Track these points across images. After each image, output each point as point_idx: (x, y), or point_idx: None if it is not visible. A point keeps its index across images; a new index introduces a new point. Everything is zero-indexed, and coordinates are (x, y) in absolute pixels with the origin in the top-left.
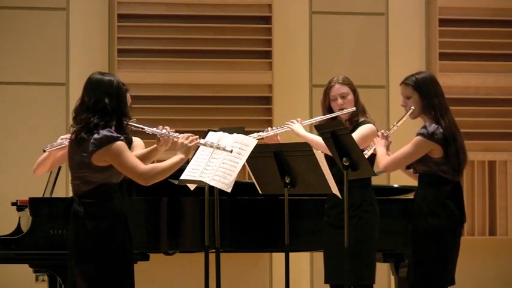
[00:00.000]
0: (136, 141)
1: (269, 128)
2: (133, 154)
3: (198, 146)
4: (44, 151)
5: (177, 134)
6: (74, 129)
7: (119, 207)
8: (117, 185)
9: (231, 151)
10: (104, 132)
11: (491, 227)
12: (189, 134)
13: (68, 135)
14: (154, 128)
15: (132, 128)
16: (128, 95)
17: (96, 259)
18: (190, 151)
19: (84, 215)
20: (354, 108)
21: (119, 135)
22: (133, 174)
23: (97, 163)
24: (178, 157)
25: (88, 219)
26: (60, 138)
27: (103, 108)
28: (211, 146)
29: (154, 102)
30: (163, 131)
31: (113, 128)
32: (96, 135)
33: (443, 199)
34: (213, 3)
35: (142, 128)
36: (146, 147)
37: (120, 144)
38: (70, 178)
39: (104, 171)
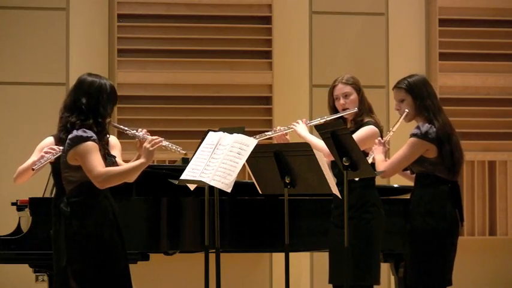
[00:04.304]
0: (113, 140)
1: (275, 129)
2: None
3: (198, 147)
4: (33, 170)
5: (153, 137)
6: (57, 127)
7: (105, 204)
8: None
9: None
10: (77, 132)
11: (491, 227)
12: (154, 138)
13: (51, 146)
14: (134, 131)
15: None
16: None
17: (85, 258)
18: (151, 155)
19: (70, 214)
20: (356, 109)
21: (91, 135)
22: (90, 176)
23: (71, 162)
24: (139, 161)
25: (74, 219)
26: (44, 152)
27: (79, 107)
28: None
29: (154, 102)
30: (140, 133)
31: (94, 127)
32: (70, 135)
33: (441, 199)
34: (213, 3)
35: (124, 130)
36: (129, 146)
37: (89, 144)
38: None
39: (81, 170)
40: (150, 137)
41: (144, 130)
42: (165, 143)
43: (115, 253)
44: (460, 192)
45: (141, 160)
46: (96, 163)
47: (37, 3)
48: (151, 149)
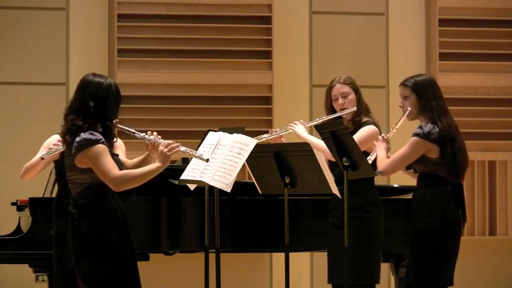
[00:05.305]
0: (117, 141)
1: (272, 130)
2: (132, 161)
3: (198, 147)
4: (43, 159)
5: (163, 141)
6: (62, 129)
7: (113, 205)
8: None
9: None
10: (85, 135)
11: (491, 227)
12: (170, 142)
13: (59, 139)
14: (143, 134)
15: (124, 131)
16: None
17: (94, 259)
18: (168, 160)
19: (79, 216)
20: (355, 108)
21: (99, 138)
22: (105, 179)
23: (80, 165)
24: (155, 165)
25: (83, 220)
26: (53, 144)
27: (87, 110)
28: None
29: (154, 102)
30: (151, 137)
31: (100, 130)
32: (77, 138)
33: (443, 199)
34: (213, 3)
35: (132, 133)
36: (133, 147)
37: (99, 147)
38: None
39: (90, 172)
40: (165, 141)
41: (155, 133)
42: (182, 148)
43: (124, 254)
44: (463, 193)
45: (157, 164)
46: (111, 166)
47: (37, 3)
48: (168, 153)
